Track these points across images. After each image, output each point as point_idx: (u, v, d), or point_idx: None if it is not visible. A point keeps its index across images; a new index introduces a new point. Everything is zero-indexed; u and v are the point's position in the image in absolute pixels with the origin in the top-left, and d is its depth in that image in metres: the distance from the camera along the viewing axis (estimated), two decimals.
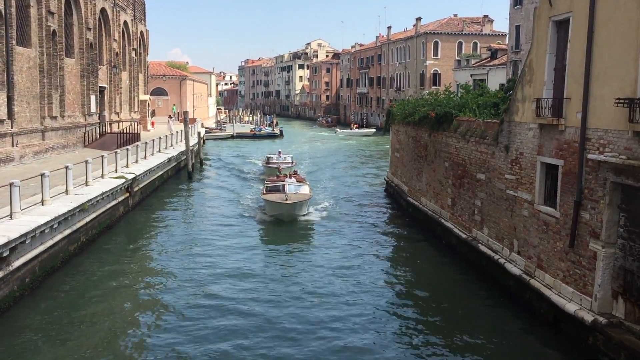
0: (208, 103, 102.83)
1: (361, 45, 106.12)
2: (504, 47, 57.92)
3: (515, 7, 49.89)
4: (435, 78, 74.01)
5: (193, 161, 39.04)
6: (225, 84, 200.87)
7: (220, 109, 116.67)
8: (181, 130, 42.04)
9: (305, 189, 27.24)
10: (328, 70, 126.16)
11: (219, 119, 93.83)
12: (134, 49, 50.05)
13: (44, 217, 16.30)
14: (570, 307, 12.74)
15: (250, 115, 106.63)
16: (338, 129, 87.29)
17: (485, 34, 73.69)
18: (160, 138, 37.65)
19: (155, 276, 18.05)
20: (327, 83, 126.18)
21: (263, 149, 57.34)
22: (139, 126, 46.42)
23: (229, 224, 25.35)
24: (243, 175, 41.07)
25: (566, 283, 13.30)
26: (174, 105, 73.70)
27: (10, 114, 26.01)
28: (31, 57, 28.47)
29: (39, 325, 13.76)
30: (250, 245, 21.82)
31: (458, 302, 16.05)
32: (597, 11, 12.28)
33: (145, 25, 55.56)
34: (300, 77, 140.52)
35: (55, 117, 31.15)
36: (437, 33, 74.83)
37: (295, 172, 33.52)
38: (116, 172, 25.61)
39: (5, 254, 13.84)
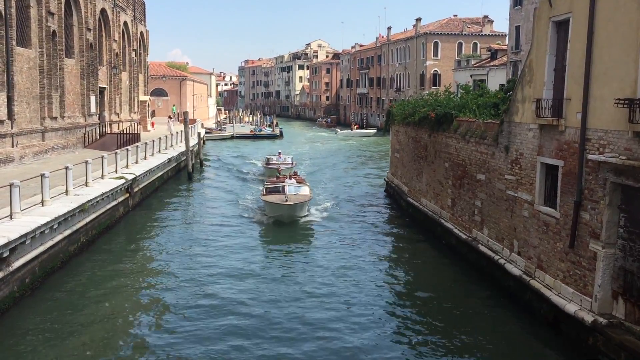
0: (208, 103, 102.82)
1: (361, 45, 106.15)
2: (504, 47, 57.97)
3: (515, 8, 49.94)
4: (435, 78, 74.04)
5: (193, 162, 39.05)
6: (225, 84, 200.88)
7: (220, 109, 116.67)
8: (181, 131, 42.05)
9: (305, 190, 27.20)
10: (328, 71, 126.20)
11: (219, 119, 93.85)
12: (134, 50, 50.07)
13: (44, 217, 16.30)
14: (571, 308, 12.74)
15: (250, 115, 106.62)
16: (338, 130, 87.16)
17: (485, 34, 73.73)
18: (160, 139, 37.64)
19: (155, 276, 18.06)
20: (327, 83, 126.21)
21: (263, 150, 57.34)
22: (139, 127, 46.43)
23: (229, 224, 25.35)
24: (243, 175, 41.08)
25: (566, 283, 13.30)
26: (173, 105, 73.69)
27: (10, 115, 26.01)
28: (31, 57, 28.48)
29: (39, 326, 13.75)
30: (250, 246, 21.83)
31: (458, 302, 16.05)
32: (597, 12, 12.29)
33: (145, 26, 55.58)
34: (300, 78, 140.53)
35: (55, 118, 31.15)
36: (437, 33, 74.86)
37: (295, 173, 33.48)
38: (116, 172, 25.61)
39: (5, 255, 13.84)
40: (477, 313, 15.34)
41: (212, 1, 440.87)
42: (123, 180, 24.56)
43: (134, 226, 24.74)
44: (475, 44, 73.46)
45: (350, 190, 34.71)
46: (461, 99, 23.05)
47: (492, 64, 58.32)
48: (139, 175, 27.50)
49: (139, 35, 51.91)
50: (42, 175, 17.83)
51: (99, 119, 39.35)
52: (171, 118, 59.67)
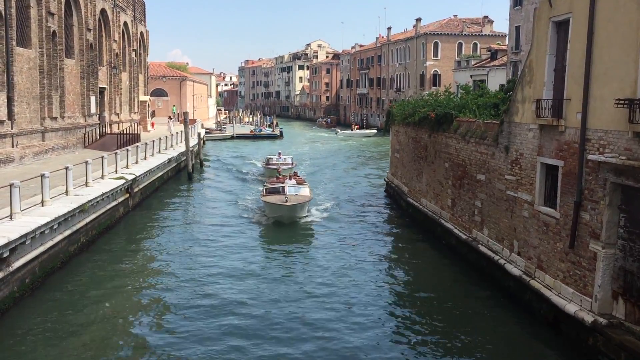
0: (208, 104, 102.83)
1: (361, 46, 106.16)
2: (504, 47, 57.99)
3: (515, 8, 49.95)
4: (435, 79, 74.06)
5: (193, 162, 39.05)
6: (225, 84, 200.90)
7: (220, 109, 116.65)
8: (181, 131, 42.05)
9: (305, 191, 27.18)
10: (328, 71, 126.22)
11: (219, 119, 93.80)
12: (133, 50, 50.08)
13: (44, 217, 16.30)
14: (571, 308, 12.74)
15: (250, 116, 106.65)
16: (339, 130, 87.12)
17: (485, 34, 73.76)
18: (160, 139, 37.65)
19: (155, 276, 18.06)
20: (327, 84, 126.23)
21: (263, 150, 57.36)
22: (139, 127, 46.42)
23: (229, 224, 25.36)
24: (243, 176, 41.08)
25: (566, 284, 13.31)
26: (173, 106, 73.71)
27: (10, 115, 26.02)
28: (31, 57, 28.49)
29: (39, 326, 13.75)
30: (250, 246, 21.83)
31: (458, 302, 16.05)
32: (597, 12, 12.29)
33: (145, 26, 55.59)
34: (300, 78, 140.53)
35: (55, 118, 31.16)
36: (437, 34, 74.89)
37: (295, 174, 33.43)
38: (116, 172, 25.61)
39: (5, 255, 13.84)
40: (477, 313, 15.34)
41: (212, 1, 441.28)
42: (123, 181, 24.56)
43: (134, 226, 24.74)
44: (475, 44, 73.50)
45: (351, 191, 34.71)
46: (461, 99, 23.05)
47: (492, 64, 58.35)
48: (139, 176, 27.51)
49: (139, 35, 51.93)
50: (42, 176, 17.83)
51: (99, 119, 39.36)
52: (171, 118, 59.64)
